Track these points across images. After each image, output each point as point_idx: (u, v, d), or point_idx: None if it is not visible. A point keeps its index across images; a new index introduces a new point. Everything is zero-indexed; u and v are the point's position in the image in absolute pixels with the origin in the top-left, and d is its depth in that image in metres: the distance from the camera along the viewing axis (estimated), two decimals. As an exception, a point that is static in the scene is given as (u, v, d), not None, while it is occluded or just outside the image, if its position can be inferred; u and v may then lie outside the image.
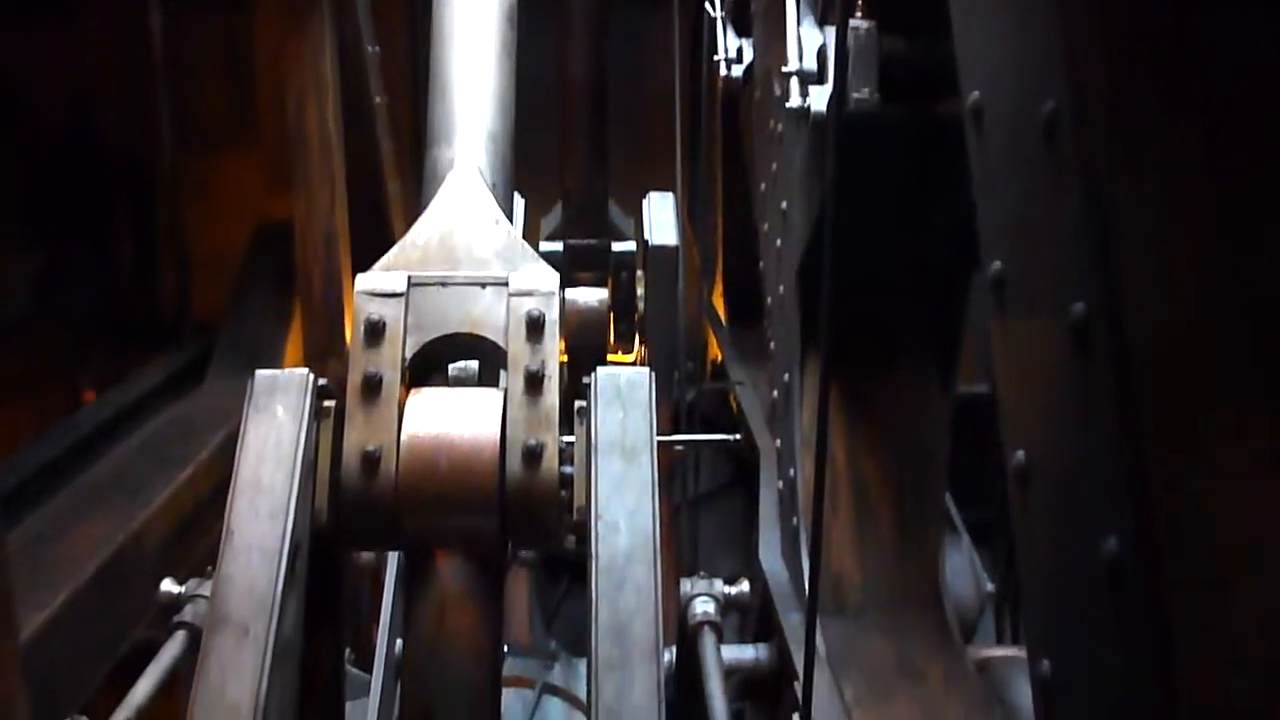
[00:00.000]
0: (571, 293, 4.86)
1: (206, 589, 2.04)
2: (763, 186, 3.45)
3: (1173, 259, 1.09)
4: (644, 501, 1.95)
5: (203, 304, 5.84)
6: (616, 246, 5.15)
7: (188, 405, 4.90)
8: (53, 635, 2.98)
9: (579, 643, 7.02)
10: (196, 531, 3.98)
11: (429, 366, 2.17)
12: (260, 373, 2.06)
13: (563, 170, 4.96)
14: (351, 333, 2.11)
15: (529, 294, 2.13)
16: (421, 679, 2.00)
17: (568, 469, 2.06)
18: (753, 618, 3.11)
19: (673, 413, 4.85)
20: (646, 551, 1.90)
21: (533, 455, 1.99)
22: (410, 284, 2.14)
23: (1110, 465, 1.13)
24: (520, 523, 2.02)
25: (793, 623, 2.71)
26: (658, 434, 2.06)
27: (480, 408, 2.04)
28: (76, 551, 3.36)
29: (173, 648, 2.08)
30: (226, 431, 4.28)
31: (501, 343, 2.10)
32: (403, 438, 1.99)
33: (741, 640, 2.96)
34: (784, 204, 3.09)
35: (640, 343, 5.33)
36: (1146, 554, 1.08)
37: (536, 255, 2.25)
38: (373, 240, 5.28)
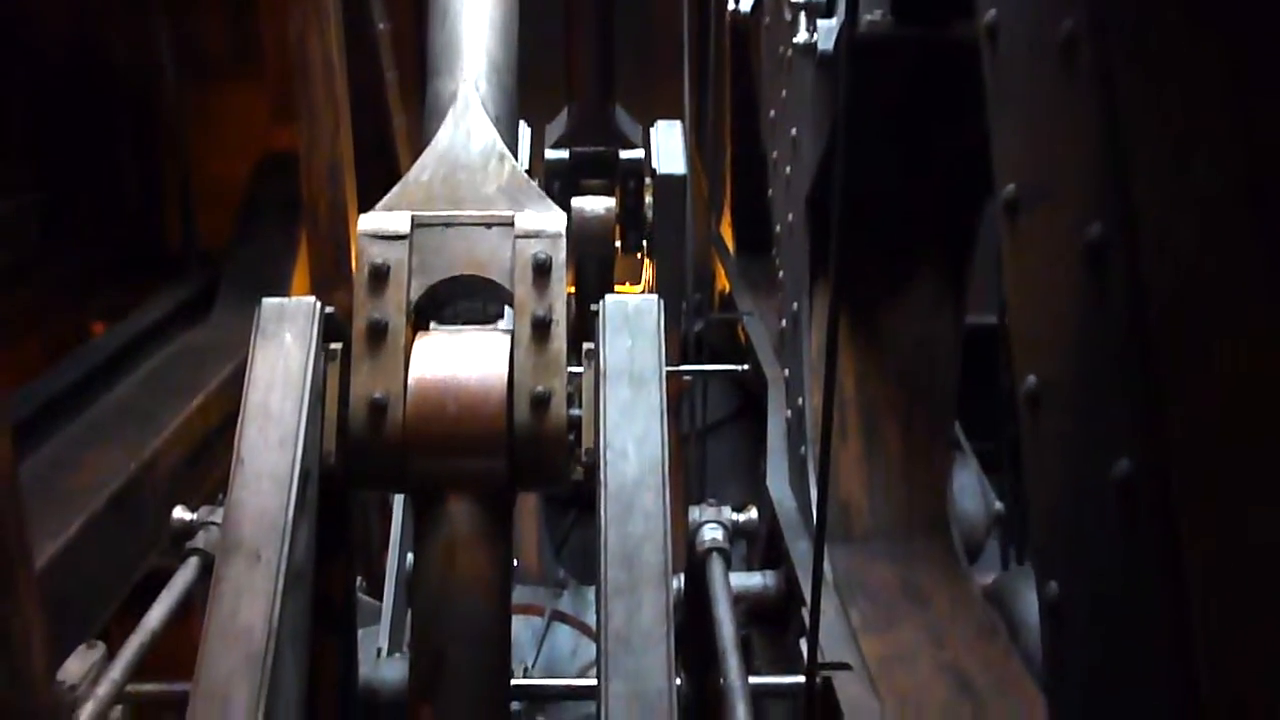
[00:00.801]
0: (578, 201, 4.78)
1: (218, 516, 2.05)
2: (772, 113, 3.41)
3: (1192, 180, 1.07)
4: (652, 428, 1.95)
5: (209, 235, 5.82)
6: (624, 154, 5.02)
7: (196, 335, 4.91)
8: (67, 563, 3.02)
9: (587, 571, 7.10)
10: (207, 460, 4.02)
11: (435, 305, 2.16)
12: (267, 301, 2.05)
13: (568, 76, 4.82)
14: (356, 272, 2.09)
15: (535, 236, 2.10)
16: (432, 620, 2.02)
17: (575, 411, 2.05)
18: (760, 547, 3.14)
19: (680, 343, 4.84)
20: (655, 478, 1.91)
21: (540, 402, 1.99)
22: (414, 224, 2.10)
23: (1123, 388, 1.13)
24: (528, 466, 2.03)
25: (800, 550, 2.73)
26: (665, 365, 2.06)
27: (487, 352, 2.03)
28: (89, 481, 3.39)
29: (186, 574, 2.10)
30: (235, 361, 4.30)
31: (507, 285, 2.08)
32: (410, 382, 1.99)
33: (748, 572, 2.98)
34: (793, 131, 3.05)
35: (647, 257, 5.28)
36: (1158, 476, 1.08)
37: (542, 193, 2.21)
38: (378, 169, 5.24)
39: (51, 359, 4.69)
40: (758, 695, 2.31)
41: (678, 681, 1.76)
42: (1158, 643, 1.10)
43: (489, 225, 2.12)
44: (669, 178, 4.91)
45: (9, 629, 2.04)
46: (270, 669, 1.71)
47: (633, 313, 2.08)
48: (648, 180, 4.97)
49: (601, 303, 2.11)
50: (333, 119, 4.33)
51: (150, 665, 2.00)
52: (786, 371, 3.21)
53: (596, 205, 4.83)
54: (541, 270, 2.06)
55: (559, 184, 4.79)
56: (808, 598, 2.08)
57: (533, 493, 2.38)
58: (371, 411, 1.98)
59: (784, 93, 3.21)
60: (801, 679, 2.17)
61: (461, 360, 2.02)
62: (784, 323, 3.24)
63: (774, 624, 2.92)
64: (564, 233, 2.13)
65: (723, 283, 5.56)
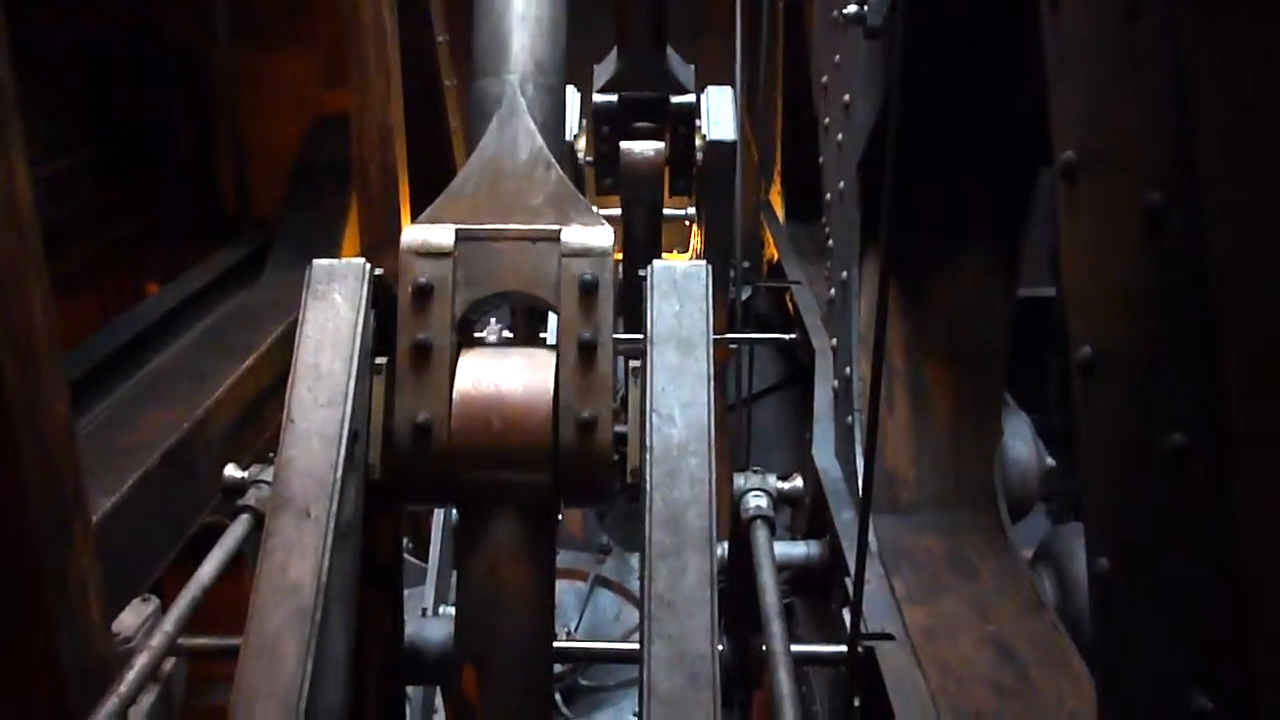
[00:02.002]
0: (626, 144, 4.70)
1: (269, 474, 2.08)
2: (824, 79, 3.37)
3: (1256, 146, 1.05)
4: (699, 393, 1.94)
5: (261, 197, 5.87)
6: (675, 99, 4.84)
7: (248, 297, 4.97)
8: (122, 518, 3.08)
9: (630, 537, 7.13)
10: (259, 419, 4.07)
11: (480, 315, 2.16)
12: (318, 262, 2.07)
13: (619, 19, 4.68)
14: (400, 287, 2.06)
15: (583, 254, 2.06)
16: (474, 633, 2.05)
17: (621, 428, 2.04)
18: (804, 516, 3.13)
19: (728, 311, 4.82)
20: (701, 444, 1.90)
21: (586, 427, 1.98)
22: (458, 238, 2.08)
23: (1180, 359, 1.11)
24: (572, 485, 2.04)
25: (845, 519, 2.72)
26: (713, 333, 2.05)
27: (532, 370, 2.03)
28: (143, 438, 3.45)
29: (237, 530, 2.13)
30: (286, 322, 4.34)
31: (553, 301, 2.06)
32: (455, 399, 1.99)
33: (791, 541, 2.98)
34: (846, 97, 3.02)
35: (696, 224, 5.19)
36: (1212, 451, 1.06)
37: (588, 205, 2.18)
38: (429, 134, 5.25)
39: (107, 317, 4.76)
40: (799, 662, 2.32)
41: (720, 646, 1.76)
42: (1209, 620, 1.08)
43: (534, 240, 2.09)
44: (719, 144, 4.85)
45: (67, 582, 2.09)
46: (319, 624, 1.74)
47: (681, 278, 2.08)
48: (698, 123, 4.87)
49: (650, 267, 2.10)
50: (384, 82, 4.34)
51: (202, 619, 2.04)
52: (834, 340, 3.19)
53: (645, 148, 4.73)
54: (588, 290, 2.03)
55: (607, 129, 4.72)
56: (851, 567, 2.08)
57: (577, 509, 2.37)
58: (417, 433, 1.99)
59: (837, 58, 3.17)
60: (844, 648, 2.17)
61: (506, 379, 2.02)
62: (833, 291, 3.21)
63: (817, 592, 2.92)
64: (610, 248, 2.09)
65: (771, 251, 5.52)
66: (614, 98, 4.71)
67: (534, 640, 2.05)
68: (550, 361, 2.03)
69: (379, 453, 2.04)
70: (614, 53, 4.67)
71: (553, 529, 2.14)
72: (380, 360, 2.07)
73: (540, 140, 2.23)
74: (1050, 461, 3.10)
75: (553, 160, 2.21)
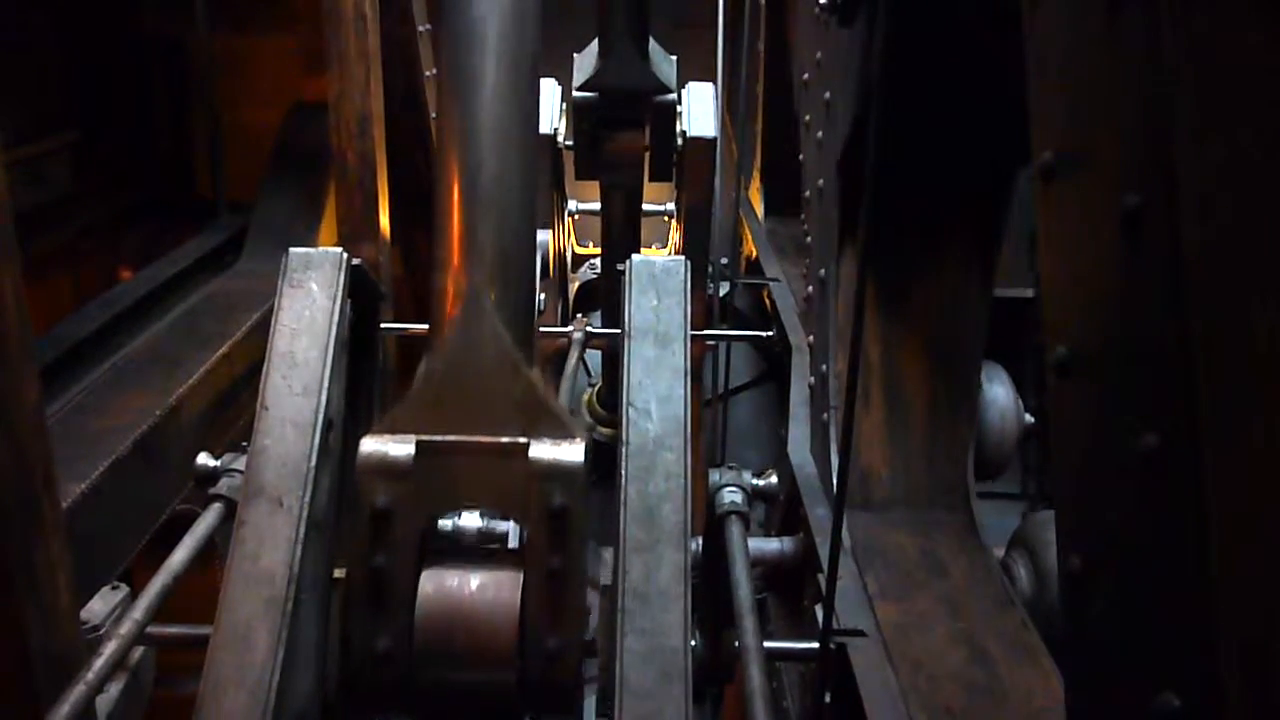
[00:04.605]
0: (607, 132, 4.65)
1: (242, 463, 2.06)
2: (805, 76, 3.37)
3: (1236, 150, 1.05)
4: (675, 388, 1.95)
5: (238, 184, 5.83)
6: (657, 98, 4.60)
7: (223, 283, 4.94)
8: (93, 504, 3.06)
9: (603, 531, 7.12)
10: (232, 407, 4.04)
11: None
12: (294, 250, 2.06)
13: (600, 11, 4.36)
14: (358, 508, 1.96)
15: (552, 475, 1.92)
16: None
17: (590, 634, 1.99)
18: (778, 513, 3.14)
19: (706, 307, 4.83)
20: (677, 439, 1.91)
21: (553, 658, 1.92)
22: (419, 450, 1.94)
23: (1155, 360, 1.11)
24: (538, 706, 2.00)
25: (819, 516, 2.73)
26: (691, 330, 2.04)
27: (496, 592, 1.94)
28: (115, 424, 3.43)
29: (208, 518, 2.12)
30: (262, 309, 4.32)
31: (520, 520, 1.99)
32: (417, 621, 1.91)
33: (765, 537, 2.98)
34: (827, 94, 3.02)
35: (675, 220, 5.18)
36: (1186, 452, 1.07)
37: (558, 411, 2.04)
38: (408, 123, 5.22)
39: (80, 302, 4.72)
40: (772, 658, 2.32)
41: (693, 641, 1.76)
42: (1180, 621, 1.09)
43: (500, 453, 1.96)
44: (699, 140, 4.84)
45: (36, 568, 2.07)
46: (290, 614, 1.73)
47: (660, 273, 2.08)
48: (679, 111, 4.84)
49: (628, 262, 2.10)
50: (364, 70, 4.32)
51: (171, 608, 2.02)
52: (811, 337, 3.20)
53: (626, 136, 4.67)
54: (558, 517, 1.92)
55: (587, 124, 4.68)
56: (825, 564, 2.08)
57: None
58: (376, 660, 1.92)
59: (818, 55, 3.17)
60: (816, 644, 2.18)
61: (470, 603, 1.93)
62: (810, 288, 3.22)
63: (790, 589, 2.93)
64: (583, 464, 1.95)
65: (750, 247, 5.53)
66: (594, 94, 4.67)
67: None
68: (517, 582, 1.94)
69: (336, 672, 1.99)
70: (594, 44, 4.63)
71: None
72: (338, 574, 2.01)
73: (508, 341, 2.04)
74: (1028, 419, 3.08)
75: (521, 363, 2.05)
